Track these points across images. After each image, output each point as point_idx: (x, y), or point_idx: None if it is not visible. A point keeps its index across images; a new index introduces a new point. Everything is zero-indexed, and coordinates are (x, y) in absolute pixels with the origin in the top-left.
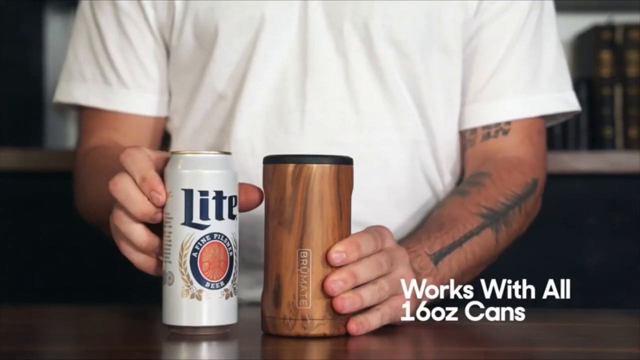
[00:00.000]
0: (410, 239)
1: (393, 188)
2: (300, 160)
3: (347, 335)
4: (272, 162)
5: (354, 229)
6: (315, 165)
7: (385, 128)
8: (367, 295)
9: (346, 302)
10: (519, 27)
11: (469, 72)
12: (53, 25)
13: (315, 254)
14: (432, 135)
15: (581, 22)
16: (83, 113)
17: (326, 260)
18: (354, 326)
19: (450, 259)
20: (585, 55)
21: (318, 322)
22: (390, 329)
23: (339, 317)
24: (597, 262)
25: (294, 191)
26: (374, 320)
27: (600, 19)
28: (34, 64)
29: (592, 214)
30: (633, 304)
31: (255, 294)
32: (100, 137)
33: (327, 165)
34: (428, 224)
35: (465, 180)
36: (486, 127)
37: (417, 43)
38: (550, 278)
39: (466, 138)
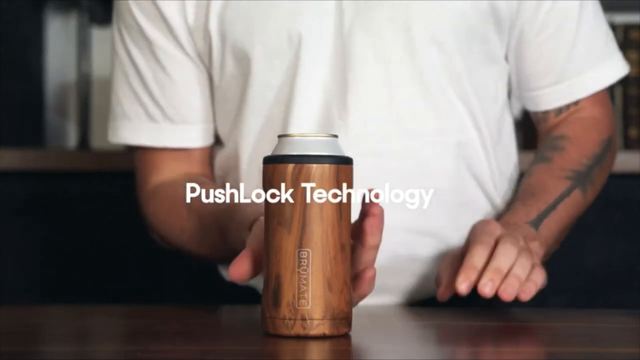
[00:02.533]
0: (507, 213)
1: (438, 191)
2: (300, 160)
3: (347, 336)
4: (272, 162)
5: (406, 236)
6: (314, 165)
7: (427, 132)
8: (520, 271)
9: (508, 290)
10: (577, 9)
11: (535, 58)
12: (53, 25)
13: (314, 254)
14: (480, 134)
15: None
16: (137, 151)
17: (328, 262)
18: (523, 295)
19: (549, 222)
20: None
21: (318, 322)
22: (392, 329)
23: (338, 317)
24: (597, 262)
25: (294, 191)
26: (538, 277)
27: None
28: (34, 64)
29: (592, 213)
30: (633, 304)
31: None
32: (166, 170)
33: (327, 165)
34: (521, 195)
35: (545, 144)
36: (559, 107)
37: (457, 41)
38: (551, 277)
39: (539, 117)
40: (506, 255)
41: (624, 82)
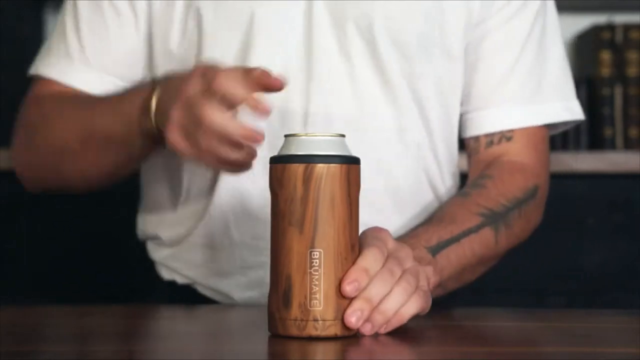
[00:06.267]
0: (407, 234)
1: (395, 190)
2: (311, 160)
3: (358, 336)
4: (282, 161)
5: None
6: (326, 165)
7: (388, 130)
8: (392, 305)
9: (367, 328)
10: (524, 37)
11: (472, 79)
12: (53, 25)
13: (327, 254)
14: (432, 137)
15: (581, 22)
16: (40, 83)
17: (340, 262)
18: (382, 330)
19: (449, 252)
20: (585, 55)
21: (330, 323)
22: (394, 329)
23: None
24: (597, 262)
25: (305, 191)
26: (410, 308)
27: (600, 19)
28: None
29: (592, 214)
30: (633, 304)
31: (251, 294)
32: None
33: (338, 165)
34: (427, 220)
35: (469, 183)
36: (489, 135)
37: (417, 44)
38: (550, 277)
39: (470, 146)
40: (381, 285)
41: (624, 82)
